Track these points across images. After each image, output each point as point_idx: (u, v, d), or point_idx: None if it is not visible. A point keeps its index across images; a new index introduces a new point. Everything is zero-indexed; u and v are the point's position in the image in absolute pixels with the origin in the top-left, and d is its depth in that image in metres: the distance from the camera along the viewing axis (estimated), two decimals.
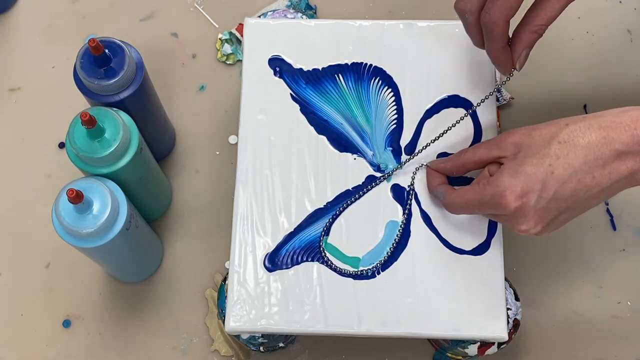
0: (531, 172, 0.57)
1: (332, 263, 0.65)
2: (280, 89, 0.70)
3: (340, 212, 0.66)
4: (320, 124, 0.69)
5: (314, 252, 0.65)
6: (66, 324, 0.77)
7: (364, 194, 0.67)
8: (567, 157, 0.56)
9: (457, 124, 0.66)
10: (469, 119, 0.69)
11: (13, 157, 0.82)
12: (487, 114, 0.69)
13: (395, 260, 0.65)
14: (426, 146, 0.67)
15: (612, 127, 0.56)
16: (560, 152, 0.57)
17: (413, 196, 0.67)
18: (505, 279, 0.66)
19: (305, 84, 0.70)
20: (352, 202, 0.66)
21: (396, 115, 0.69)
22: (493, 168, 0.61)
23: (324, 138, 0.69)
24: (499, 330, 0.64)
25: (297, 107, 0.69)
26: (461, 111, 0.69)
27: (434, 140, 0.67)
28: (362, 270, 0.65)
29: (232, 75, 0.85)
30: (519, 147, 0.59)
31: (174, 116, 0.83)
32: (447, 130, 0.66)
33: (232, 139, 0.82)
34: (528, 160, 0.58)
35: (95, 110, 0.64)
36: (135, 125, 0.66)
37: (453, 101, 0.69)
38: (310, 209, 0.67)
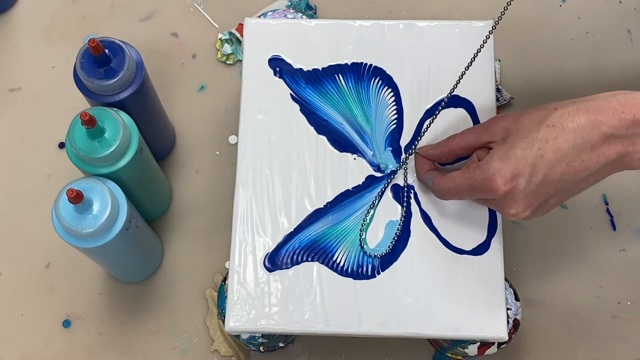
0: (520, 156, 0.57)
1: (365, 244, 0.65)
2: (280, 89, 0.70)
3: (379, 199, 0.67)
4: (320, 124, 0.69)
5: (314, 252, 0.65)
6: (66, 324, 0.77)
7: (382, 194, 0.67)
8: (556, 140, 0.57)
9: (443, 108, 0.66)
10: (469, 119, 0.69)
11: (13, 157, 0.82)
12: (487, 114, 0.69)
13: (395, 260, 0.65)
14: (420, 138, 0.67)
15: (600, 110, 0.56)
16: (549, 135, 0.57)
17: (413, 195, 0.67)
18: (505, 279, 0.66)
19: (305, 84, 0.70)
20: (379, 199, 0.67)
21: (396, 115, 0.69)
22: (482, 153, 0.61)
23: (324, 138, 0.69)
24: (499, 330, 0.64)
25: (297, 107, 0.70)
26: (461, 111, 0.69)
27: (425, 131, 0.67)
28: (369, 259, 0.65)
29: (232, 75, 0.85)
30: (508, 132, 0.59)
31: (174, 116, 0.83)
32: (435, 116, 0.67)
33: (232, 139, 0.82)
34: (517, 144, 0.58)
35: (95, 110, 0.64)
36: (135, 125, 0.66)
37: (453, 101, 0.69)
38: (310, 209, 0.67)
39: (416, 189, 0.67)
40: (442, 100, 0.69)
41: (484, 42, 0.64)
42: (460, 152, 0.63)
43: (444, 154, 0.65)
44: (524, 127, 0.58)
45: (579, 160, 0.57)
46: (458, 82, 0.66)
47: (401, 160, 0.68)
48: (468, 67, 0.65)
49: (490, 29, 0.66)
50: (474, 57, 0.64)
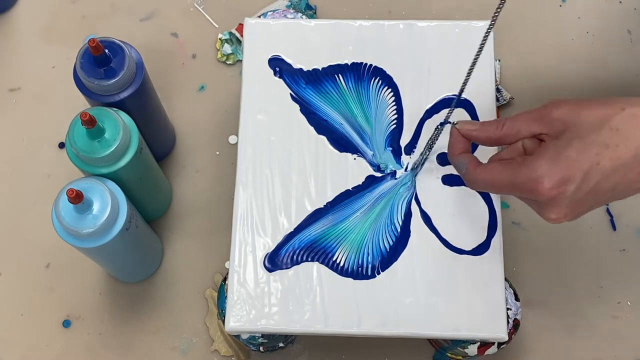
0: (575, 159, 0.52)
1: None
2: (280, 89, 0.70)
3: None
4: (320, 124, 0.69)
5: (314, 252, 0.65)
6: (66, 324, 0.77)
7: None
8: (617, 148, 0.51)
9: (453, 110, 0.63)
10: (469, 119, 0.69)
11: (13, 157, 0.82)
12: (487, 114, 0.69)
13: (395, 260, 0.65)
14: (432, 143, 0.65)
15: None
16: (611, 141, 0.51)
17: (414, 195, 0.67)
18: (505, 279, 0.66)
19: (305, 84, 0.70)
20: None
21: (396, 115, 0.69)
22: (529, 144, 0.56)
23: (324, 138, 0.69)
24: (499, 330, 0.64)
25: (297, 107, 0.70)
26: (461, 111, 0.69)
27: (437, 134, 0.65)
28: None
29: (232, 75, 0.85)
30: (565, 125, 0.53)
31: (174, 116, 0.83)
32: (446, 121, 0.63)
33: (232, 139, 0.82)
34: (573, 144, 0.52)
35: (95, 110, 0.64)
36: (135, 125, 0.66)
37: (453, 101, 0.69)
38: (310, 209, 0.67)
39: (416, 189, 0.67)
40: (442, 100, 0.69)
41: (483, 42, 0.61)
42: (508, 140, 0.56)
43: (489, 140, 0.57)
44: (582, 124, 0.52)
45: (635, 172, 0.52)
46: (464, 86, 0.61)
47: (401, 160, 0.67)
48: (471, 70, 0.61)
49: (487, 29, 0.64)
50: (475, 59, 0.61)
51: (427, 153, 0.65)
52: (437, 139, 0.63)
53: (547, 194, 0.53)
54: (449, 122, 0.60)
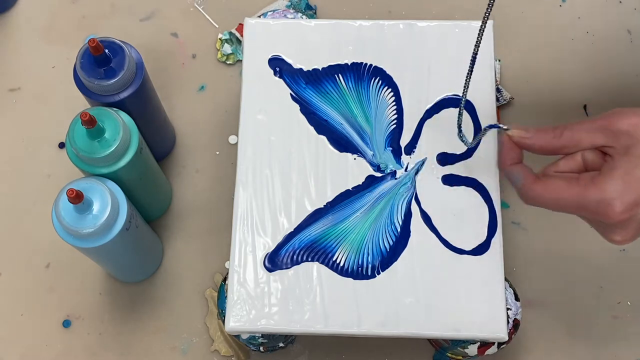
0: None
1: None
2: (280, 89, 0.70)
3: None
4: (320, 124, 0.69)
5: (314, 252, 0.65)
6: (66, 324, 0.77)
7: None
8: None
9: (461, 114, 0.62)
10: (469, 119, 0.68)
11: (13, 157, 0.82)
12: (487, 114, 0.69)
13: (395, 260, 0.65)
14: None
15: None
16: None
17: (414, 195, 0.67)
18: (505, 279, 0.66)
19: (305, 84, 0.70)
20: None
21: (396, 115, 0.69)
22: (591, 156, 0.52)
23: (323, 138, 0.69)
24: (499, 330, 0.63)
25: (297, 107, 0.70)
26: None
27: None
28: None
29: (232, 75, 0.85)
30: (633, 139, 0.49)
31: (174, 116, 0.83)
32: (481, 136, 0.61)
33: (232, 139, 0.82)
34: None
35: (95, 110, 0.64)
36: (135, 125, 0.66)
37: (453, 101, 0.69)
38: (310, 209, 0.67)
39: (416, 189, 0.67)
40: (442, 100, 0.69)
41: (477, 43, 0.60)
42: (567, 151, 0.53)
43: (543, 149, 0.53)
44: None
45: None
46: (466, 88, 0.61)
47: (401, 160, 0.67)
48: (470, 71, 0.61)
49: (479, 29, 0.63)
50: (473, 60, 0.61)
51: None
52: (479, 143, 0.58)
53: (618, 217, 0.50)
54: (500, 127, 0.55)
